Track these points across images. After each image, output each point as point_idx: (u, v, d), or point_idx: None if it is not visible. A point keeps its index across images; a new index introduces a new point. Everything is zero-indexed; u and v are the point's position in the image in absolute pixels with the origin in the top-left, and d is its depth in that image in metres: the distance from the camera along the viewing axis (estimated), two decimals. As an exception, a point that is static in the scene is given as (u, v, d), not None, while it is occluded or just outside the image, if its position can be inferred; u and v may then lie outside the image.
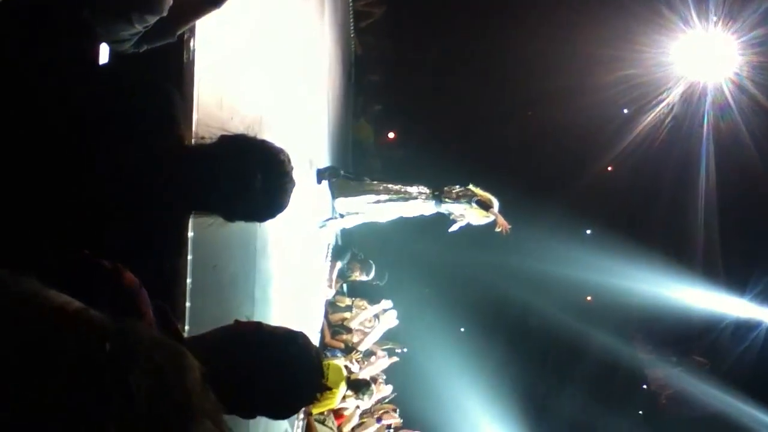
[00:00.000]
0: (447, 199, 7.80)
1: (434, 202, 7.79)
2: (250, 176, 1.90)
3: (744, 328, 13.47)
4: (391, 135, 14.18)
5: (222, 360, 1.71)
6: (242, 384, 1.70)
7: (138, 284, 1.59)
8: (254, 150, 1.95)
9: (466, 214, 7.82)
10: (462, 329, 13.46)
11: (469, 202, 7.77)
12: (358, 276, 9.76)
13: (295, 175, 2.01)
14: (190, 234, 2.90)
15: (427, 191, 7.83)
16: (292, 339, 1.81)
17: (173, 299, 3.09)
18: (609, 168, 13.38)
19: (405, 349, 10.40)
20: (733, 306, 13.32)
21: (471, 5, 12.69)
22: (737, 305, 13.31)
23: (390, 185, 7.97)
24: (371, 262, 9.84)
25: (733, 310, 13.39)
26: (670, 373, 13.86)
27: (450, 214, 7.89)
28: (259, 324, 1.83)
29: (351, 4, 11.17)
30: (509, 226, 7.89)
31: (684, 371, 13.63)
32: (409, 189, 7.85)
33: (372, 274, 9.84)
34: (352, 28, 11.55)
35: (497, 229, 7.86)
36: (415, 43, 13.39)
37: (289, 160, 1.99)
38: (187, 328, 3.15)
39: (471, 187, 7.88)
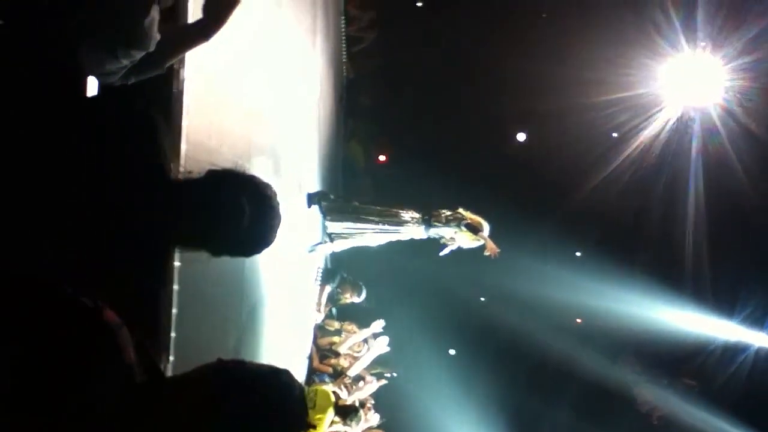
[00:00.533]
0: (437, 223, 7.80)
1: (424, 226, 7.80)
2: (237, 212, 1.90)
3: (732, 351, 13.48)
4: (382, 157, 14.23)
5: (204, 399, 1.70)
6: (226, 423, 1.70)
7: (119, 323, 1.58)
8: (242, 185, 1.95)
9: (456, 238, 7.84)
10: (452, 352, 13.44)
11: (458, 226, 7.79)
12: (349, 298, 9.74)
13: (282, 209, 2.00)
14: (177, 264, 2.90)
15: (418, 215, 7.83)
16: (276, 376, 1.79)
17: (158, 329, 3.08)
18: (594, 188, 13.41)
19: (394, 374, 10.36)
20: (722, 328, 13.34)
21: (462, 29, 12.78)
22: (726, 328, 13.33)
23: (381, 209, 7.98)
24: (361, 284, 9.83)
25: (721, 333, 13.40)
26: (660, 395, 13.83)
27: (440, 238, 7.90)
28: (242, 362, 1.83)
29: (343, 30, 11.24)
30: (498, 250, 7.93)
31: (674, 393, 13.61)
32: (400, 213, 7.85)
33: (363, 296, 9.83)
34: (344, 52, 11.62)
35: (486, 253, 7.90)
36: (405, 65, 13.45)
37: (275, 195, 1.99)
38: (171, 359, 3.14)
39: (461, 210, 7.90)
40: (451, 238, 7.86)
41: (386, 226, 7.82)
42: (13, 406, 1.37)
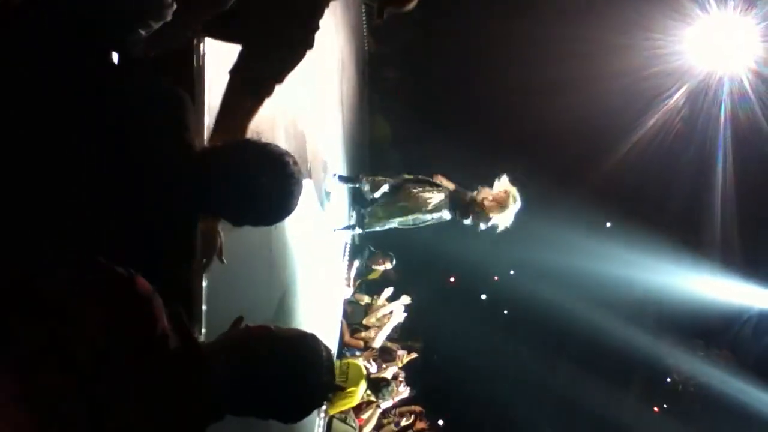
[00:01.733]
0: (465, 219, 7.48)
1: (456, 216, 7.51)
2: (255, 179, 1.93)
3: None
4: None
5: (234, 364, 1.73)
6: (255, 387, 1.72)
7: (152, 290, 1.61)
8: (258, 153, 1.97)
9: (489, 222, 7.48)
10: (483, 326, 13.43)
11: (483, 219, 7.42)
12: (382, 265, 9.79)
13: (302, 176, 2.01)
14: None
15: (447, 201, 7.50)
16: (302, 340, 1.83)
17: (189, 302, 3.11)
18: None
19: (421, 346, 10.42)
20: (757, 297, 13.18)
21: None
22: (761, 296, 13.17)
23: (413, 191, 7.55)
24: (391, 253, 9.86)
25: (756, 302, 13.25)
26: (696, 366, 13.74)
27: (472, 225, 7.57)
28: (268, 328, 1.85)
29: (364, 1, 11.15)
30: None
31: (710, 363, 13.51)
32: (433, 195, 7.53)
33: (394, 262, 9.87)
34: (365, 25, 11.54)
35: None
36: (432, 32, 13.32)
37: (294, 162, 2.00)
38: (203, 330, 3.17)
39: (483, 194, 7.45)
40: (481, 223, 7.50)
41: (419, 215, 7.52)
42: (54, 371, 1.39)
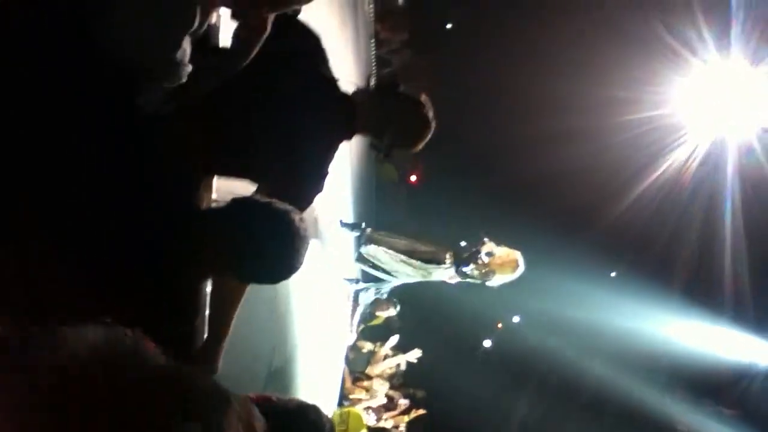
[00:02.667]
0: (467, 272, 7.62)
1: (455, 270, 7.64)
2: (259, 239, 1.90)
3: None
4: (413, 177, 14.27)
5: None
6: None
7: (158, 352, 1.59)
8: (263, 212, 1.95)
9: (490, 282, 7.64)
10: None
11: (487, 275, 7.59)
12: (385, 311, 9.75)
13: (307, 233, 1.99)
14: (208, 289, 2.91)
15: (450, 260, 7.63)
16: (304, 413, 1.80)
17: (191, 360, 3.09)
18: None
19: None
20: (765, 353, 13.07)
21: (491, 51, 12.80)
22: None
23: (416, 248, 7.74)
24: (395, 299, 9.82)
25: (764, 357, 13.13)
26: (702, 422, 13.55)
27: (473, 282, 7.74)
28: (269, 398, 1.82)
29: (374, 52, 11.35)
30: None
31: (716, 420, 13.33)
32: (435, 253, 7.66)
33: (398, 308, 9.83)
34: (374, 67, 11.71)
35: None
36: (435, 86, 13.49)
37: (301, 219, 1.98)
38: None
39: (490, 250, 7.61)
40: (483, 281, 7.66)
41: (419, 269, 7.65)
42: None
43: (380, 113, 2.53)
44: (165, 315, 1.87)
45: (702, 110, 12.73)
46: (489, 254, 7.49)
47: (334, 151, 2.60)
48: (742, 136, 12.68)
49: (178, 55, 2.00)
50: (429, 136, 2.62)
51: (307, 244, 2.00)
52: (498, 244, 7.59)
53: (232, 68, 2.38)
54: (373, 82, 2.55)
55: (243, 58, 2.35)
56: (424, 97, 2.59)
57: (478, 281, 7.55)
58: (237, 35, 2.30)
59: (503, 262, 7.45)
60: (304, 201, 2.47)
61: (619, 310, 12.49)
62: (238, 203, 2.03)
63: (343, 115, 2.57)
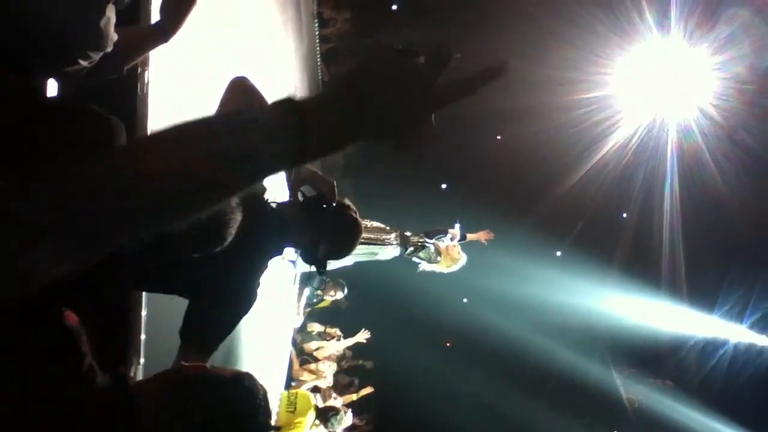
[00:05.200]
0: (413, 252, 7.88)
1: (401, 250, 7.85)
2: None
3: (712, 346, 13.63)
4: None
5: (169, 405, 1.69)
6: (187, 429, 1.69)
7: (79, 324, 1.57)
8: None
9: (435, 267, 7.95)
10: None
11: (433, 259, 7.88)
12: (333, 295, 9.77)
13: (239, 209, 1.99)
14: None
15: (397, 240, 7.84)
16: (239, 381, 1.79)
17: (129, 331, 3.07)
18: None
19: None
20: (701, 324, 13.49)
21: (437, 30, 12.81)
22: (705, 323, 13.48)
23: (370, 225, 7.88)
24: (342, 281, 9.85)
25: (701, 329, 13.55)
26: (645, 393, 13.94)
27: (418, 263, 7.99)
28: (203, 367, 1.82)
29: (317, 31, 11.26)
30: (490, 233, 8.13)
31: (656, 391, 13.74)
32: (383, 235, 7.83)
33: (346, 291, 9.86)
34: (318, 54, 11.62)
35: (483, 242, 8.13)
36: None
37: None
38: (142, 361, 3.13)
39: (436, 243, 7.92)
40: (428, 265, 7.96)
41: (370, 247, 7.79)
42: None
43: (311, 228, 2.55)
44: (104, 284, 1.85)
45: (642, 91, 12.98)
46: (438, 242, 7.74)
47: (264, 271, 2.64)
48: (681, 116, 12.95)
49: (102, 23, 1.98)
50: (360, 238, 2.69)
51: (238, 218, 1.99)
52: (464, 237, 7.91)
53: (159, 40, 2.35)
54: (300, 197, 2.54)
55: (170, 31, 2.33)
56: (347, 201, 2.66)
57: (423, 261, 7.76)
58: (163, 5, 2.28)
59: (447, 256, 7.74)
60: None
61: (565, 288, 12.74)
62: None
63: (276, 236, 2.60)
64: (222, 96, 2.58)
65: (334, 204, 2.55)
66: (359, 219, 2.65)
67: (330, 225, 2.55)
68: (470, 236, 8.24)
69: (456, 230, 8.02)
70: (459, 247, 7.92)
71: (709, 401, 12.54)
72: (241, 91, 2.55)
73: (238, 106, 2.50)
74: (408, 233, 7.85)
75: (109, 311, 1.97)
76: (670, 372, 13.87)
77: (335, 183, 2.57)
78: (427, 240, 7.78)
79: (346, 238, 2.65)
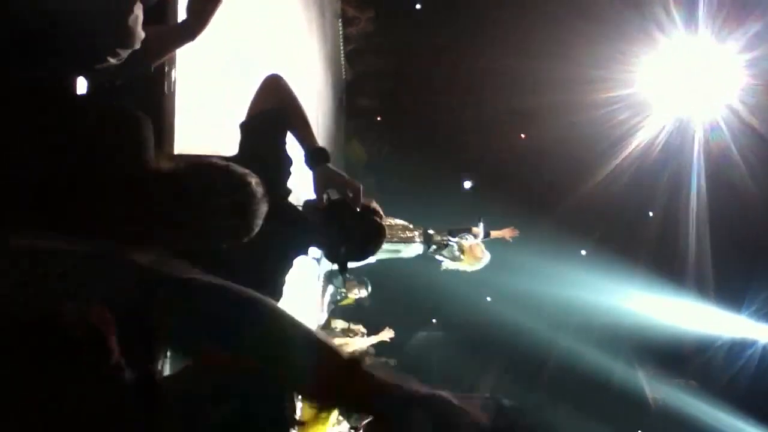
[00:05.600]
0: (437, 249, 7.89)
1: (425, 247, 7.87)
2: (212, 193, 1.90)
3: (740, 346, 13.48)
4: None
5: (198, 403, 1.70)
6: (216, 426, 1.70)
7: (108, 321, 1.59)
8: (218, 173, 1.95)
9: (459, 266, 7.97)
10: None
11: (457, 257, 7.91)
12: (357, 293, 9.81)
13: (264, 197, 1.99)
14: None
15: (421, 236, 7.87)
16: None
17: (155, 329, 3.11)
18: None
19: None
20: (729, 324, 13.34)
21: (461, 29, 12.80)
22: (733, 324, 13.33)
23: (394, 223, 7.90)
24: (365, 279, 9.89)
25: (728, 329, 13.40)
26: (670, 392, 13.83)
27: (441, 261, 8.01)
28: (226, 358, 1.83)
29: (341, 30, 11.30)
30: (515, 230, 8.15)
31: (681, 391, 13.61)
32: (407, 232, 7.84)
33: (369, 289, 9.89)
34: (342, 53, 11.67)
35: (508, 239, 8.15)
36: (405, 64, 13.50)
37: (258, 184, 1.99)
38: (169, 353, 3.17)
39: (460, 242, 7.94)
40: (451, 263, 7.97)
41: (394, 245, 7.80)
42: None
43: (335, 231, 2.57)
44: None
45: (669, 88, 12.86)
46: (462, 240, 7.74)
47: (289, 269, 2.66)
48: (708, 115, 12.83)
49: (130, 20, 2.02)
50: (383, 242, 2.71)
51: (265, 208, 2.01)
52: (488, 234, 7.92)
53: (186, 38, 2.39)
54: (325, 199, 2.56)
55: (196, 29, 2.37)
56: (374, 204, 2.66)
57: (446, 259, 7.77)
58: (190, 4, 2.32)
59: (470, 254, 7.74)
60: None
61: (590, 286, 12.67)
62: (192, 163, 2.03)
63: (300, 236, 2.63)
64: (255, 95, 2.62)
65: (358, 209, 2.56)
66: (383, 224, 2.66)
67: (354, 229, 2.56)
68: (494, 233, 8.23)
69: (479, 228, 8.02)
70: (482, 246, 7.92)
71: (736, 402, 12.39)
72: (273, 91, 2.59)
73: (269, 107, 2.55)
74: (431, 231, 7.86)
75: (139, 308, 1.99)
76: (696, 372, 13.73)
77: (361, 186, 2.57)
78: (451, 238, 7.79)
79: (369, 242, 2.67)
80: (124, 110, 2.02)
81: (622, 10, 11.96)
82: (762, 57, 11.65)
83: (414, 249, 7.74)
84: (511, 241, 8.43)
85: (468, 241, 7.82)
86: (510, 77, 12.10)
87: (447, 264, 7.89)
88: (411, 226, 7.78)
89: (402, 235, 7.61)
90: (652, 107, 13.10)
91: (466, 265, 7.87)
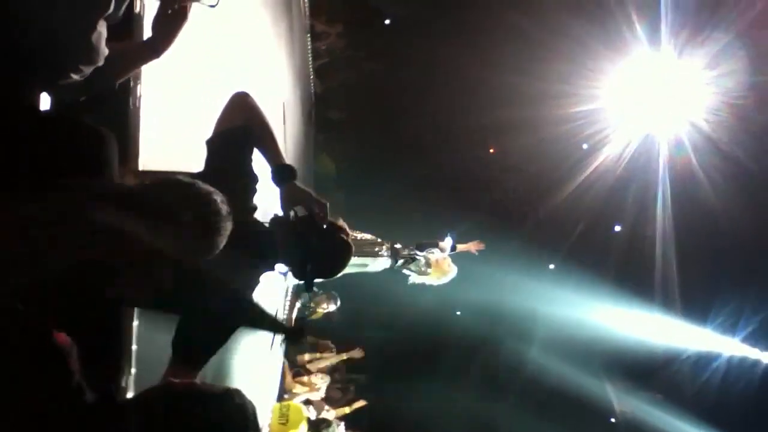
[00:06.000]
0: (403, 263, 7.93)
1: (392, 261, 7.88)
2: (177, 211, 1.87)
3: (705, 359, 13.65)
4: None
5: (155, 422, 1.69)
6: None
7: (69, 343, 1.59)
8: (183, 187, 1.93)
9: (425, 279, 7.99)
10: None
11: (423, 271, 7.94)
12: (326, 307, 9.77)
13: (229, 214, 1.97)
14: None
15: (388, 250, 7.88)
16: (228, 397, 1.79)
17: (120, 342, 3.09)
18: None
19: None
20: (695, 338, 13.51)
21: (430, 44, 12.88)
22: (698, 336, 13.50)
23: (361, 237, 7.90)
24: (335, 293, 9.85)
25: (694, 342, 13.57)
26: (638, 406, 13.95)
27: (408, 275, 8.03)
28: (192, 384, 1.83)
29: (309, 45, 11.32)
30: (480, 244, 8.18)
31: (649, 403, 13.74)
32: (375, 247, 7.85)
33: (339, 303, 9.86)
34: (311, 67, 11.68)
35: (474, 252, 8.17)
36: (373, 78, 13.54)
37: (222, 201, 1.96)
38: (133, 371, 3.15)
39: (428, 256, 7.97)
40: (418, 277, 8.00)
41: (360, 259, 7.79)
42: None
43: (301, 248, 2.57)
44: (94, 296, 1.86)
45: (634, 104, 13.05)
46: (428, 255, 7.77)
47: (256, 286, 2.68)
48: (672, 130, 13.02)
49: (94, 37, 2.02)
50: (350, 260, 2.73)
51: (229, 226, 1.99)
52: (455, 248, 7.94)
53: (151, 56, 2.39)
54: (293, 215, 2.57)
55: (162, 47, 2.36)
56: (341, 222, 2.68)
57: (413, 273, 7.79)
58: (154, 22, 2.31)
59: (437, 268, 7.77)
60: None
61: (558, 300, 12.77)
62: (158, 180, 2.02)
63: (267, 253, 2.63)
64: (222, 112, 2.61)
65: (325, 226, 2.56)
66: (350, 241, 2.67)
67: (320, 246, 2.56)
68: (460, 247, 8.27)
69: (446, 242, 8.06)
70: (449, 260, 7.95)
71: (702, 414, 12.54)
72: (240, 109, 2.59)
73: (236, 124, 2.55)
74: (398, 245, 7.87)
75: (100, 329, 1.98)
76: (662, 384, 13.87)
77: (328, 204, 2.58)
78: (418, 252, 7.82)
79: (335, 260, 2.68)
80: (87, 126, 2.01)
81: (588, 28, 12.13)
82: (723, 75, 11.88)
83: (381, 263, 7.75)
84: (476, 254, 8.45)
85: (435, 255, 7.85)
86: (478, 92, 12.21)
87: (414, 278, 7.92)
88: (379, 240, 7.79)
89: (369, 250, 7.62)
90: (617, 123, 13.27)
91: (433, 279, 7.90)
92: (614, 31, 12.21)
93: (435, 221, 8.29)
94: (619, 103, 13.07)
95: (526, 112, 11.98)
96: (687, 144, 12.83)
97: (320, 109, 12.93)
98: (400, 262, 7.82)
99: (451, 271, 7.91)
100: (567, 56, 12.18)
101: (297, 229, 2.58)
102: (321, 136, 13.12)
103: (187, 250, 1.96)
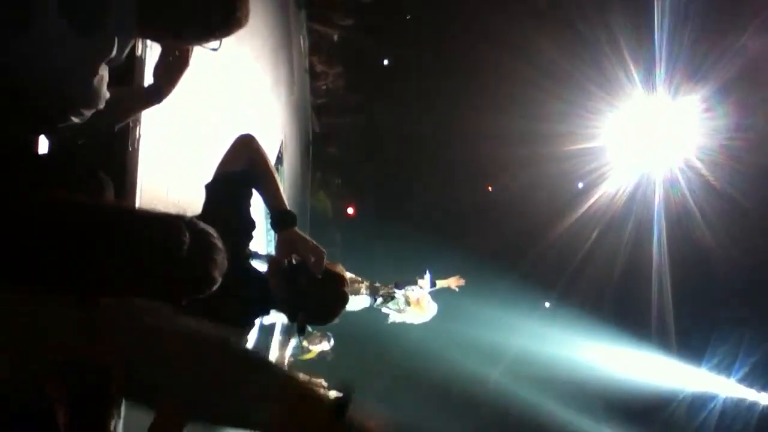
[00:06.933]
0: (382, 301, 7.83)
1: (372, 299, 7.79)
2: (175, 242, 1.83)
3: (701, 400, 13.55)
4: (350, 210, 14.28)
5: None
6: None
7: (57, 396, 1.56)
8: (180, 223, 1.88)
9: (403, 316, 7.88)
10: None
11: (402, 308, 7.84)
12: (319, 346, 9.69)
13: (226, 257, 1.93)
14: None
15: (367, 289, 7.80)
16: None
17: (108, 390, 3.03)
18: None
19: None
20: (691, 378, 13.43)
21: (428, 86, 13.00)
22: (694, 377, 13.42)
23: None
24: (328, 333, 9.77)
25: (690, 383, 13.48)
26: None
27: (388, 314, 7.93)
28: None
29: (308, 84, 11.40)
30: (461, 279, 8.04)
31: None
32: (357, 284, 7.78)
33: (332, 342, 9.77)
34: (310, 106, 11.75)
35: (454, 288, 8.04)
36: (373, 118, 13.64)
37: (218, 240, 1.92)
38: (122, 414, 3.09)
39: (406, 294, 7.88)
40: (396, 314, 7.90)
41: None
42: None
43: (294, 296, 2.56)
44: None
45: (630, 144, 13.16)
46: (407, 292, 7.67)
47: (251, 329, 2.68)
48: (667, 170, 13.11)
49: (95, 80, 2.01)
50: (343, 309, 2.69)
51: (224, 261, 1.95)
52: (434, 284, 7.83)
53: (153, 101, 2.38)
54: (287, 262, 2.54)
55: (163, 93, 2.36)
56: (339, 269, 2.66)
57: (392, 311, 7.69)
58: (156, 68, 2.31)
59: (417, 306, 7.64)
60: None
61: (554, 339, 12.69)
62: (155, 215, 2.01)
63: (259, 299, 2.61)
64: (225, 153, 2.60)
65: (319, 275, 2.54)
66: (345, 291, 2.64)
67: (313, 295, 2.54)
68: (440, 283, 8.08)
69: (425, 280, 7.89)
70: (428, 297, 7.78)
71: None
72: (244, 151, 2.57)
73: (238, 167, 2.54)
74: (378, 284, 7.77)
75: (89, 383, 1.94)
76: (659, 426, 13.74)
77: (325, 252, 2.54)
78: (396, 290, 7.70)
79: (327, 309, 2.66)
80: (83, 171, 2.00)
81: (587, 72, 12.27)
82: (716, 116, 12.01)
83: (360, 302, 7.63)
84: (456, 289, 8.26)
85: (414, 293, 7.71)
86: (478, 132, 12.28)
87: (394, 317, 7.77)
88: (359, 279, 7.70)
89: (350, 287, 7.53)
90: (614, 161, 13.37)
91: (412, 317, 7.75)
92: (611, 75, 12.36)
93: (433, 259, 8.19)
94: (616, 143, 13.17)
95: (523, 151, 12.05)
96: (682, 183, 12.91)
97: (319, 147, 12.99)
98: (380, 300, 7.68)
99: (430, 308, 7.76)
100: (565, 97, 12.30)
101: (291, 276, 2.55)
102: (319, 172, 13.16)
103: (182, 286, 1.93)
